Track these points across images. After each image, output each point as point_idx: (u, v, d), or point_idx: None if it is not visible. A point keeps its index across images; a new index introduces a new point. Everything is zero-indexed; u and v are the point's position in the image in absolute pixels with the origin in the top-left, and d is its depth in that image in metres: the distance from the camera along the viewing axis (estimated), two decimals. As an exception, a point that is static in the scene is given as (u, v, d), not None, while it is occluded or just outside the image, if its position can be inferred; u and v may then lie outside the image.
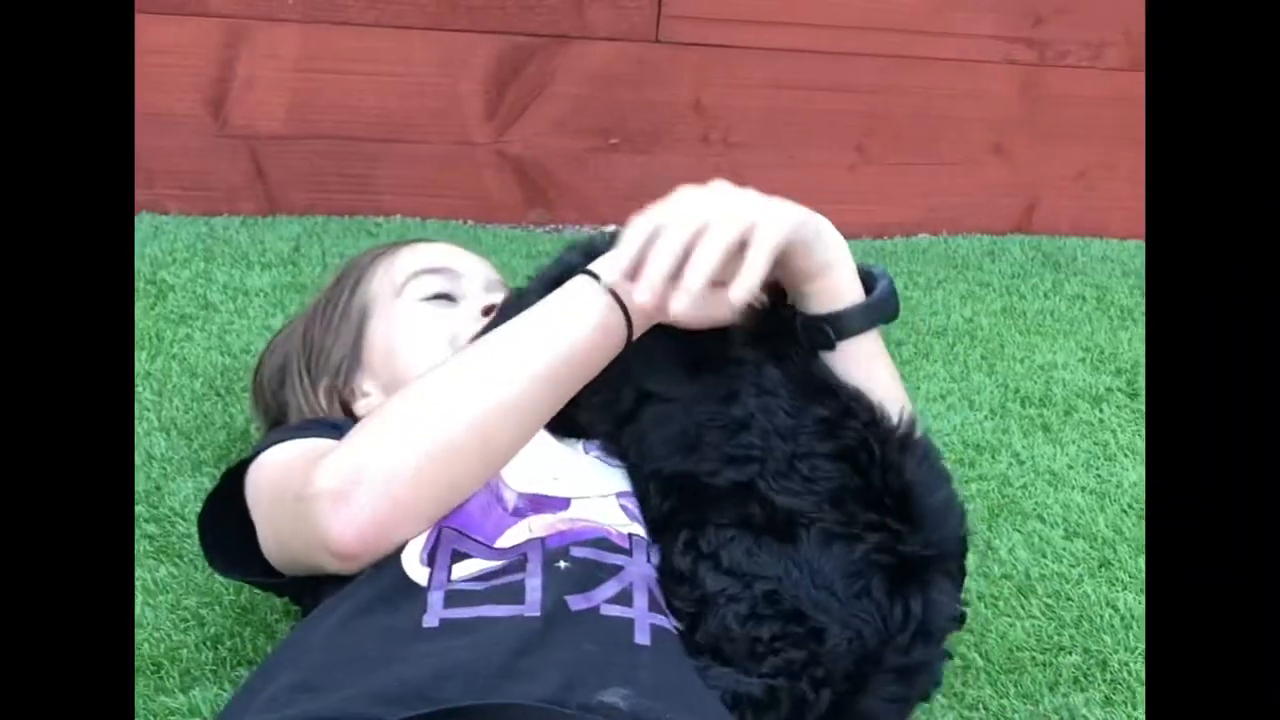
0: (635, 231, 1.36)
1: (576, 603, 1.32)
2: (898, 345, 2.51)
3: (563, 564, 1.36)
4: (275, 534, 1.47)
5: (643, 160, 3.11)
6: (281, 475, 1.45)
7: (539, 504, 1.45)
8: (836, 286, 1.45)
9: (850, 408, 1.41)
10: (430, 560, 1.35)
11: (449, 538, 1.38)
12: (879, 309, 1.47)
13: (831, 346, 1.44)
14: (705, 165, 3.08)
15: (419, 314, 1.74)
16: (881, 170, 3.22)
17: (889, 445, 1.39)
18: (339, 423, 1.62)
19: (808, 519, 1.35)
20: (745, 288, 1.33)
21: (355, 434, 1.37)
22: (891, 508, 1.37)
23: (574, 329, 1.40)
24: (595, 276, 1.41)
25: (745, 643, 1.34)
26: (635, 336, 1.42)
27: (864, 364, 1.46)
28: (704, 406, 1.44)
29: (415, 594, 1.32)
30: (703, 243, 1.33)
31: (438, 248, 1.85)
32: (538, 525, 1.42)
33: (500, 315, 1.54)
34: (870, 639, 1.34)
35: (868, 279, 1.49)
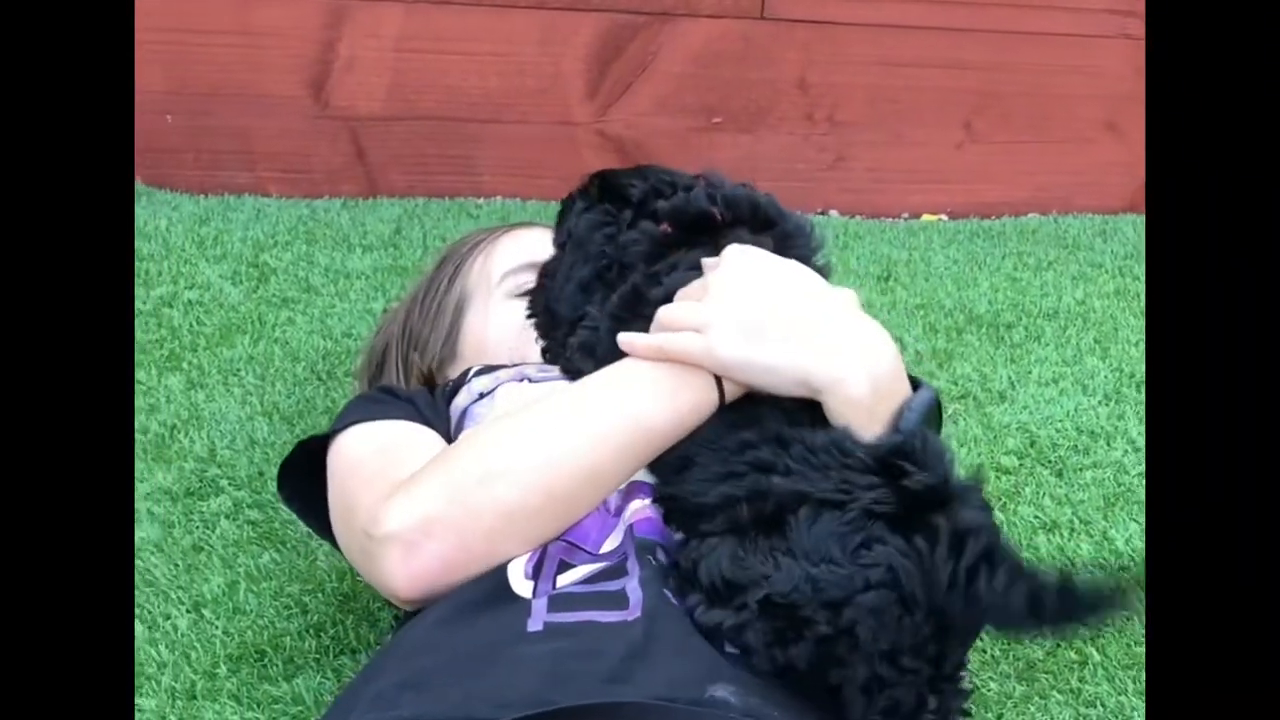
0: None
1: (677, 600, 1.29)
2: (1008, 328, 2.46)
3: (652, 560, 1.33)
4: (344, 548, 1.47)
5: (746, 139, 3.07)
6: (351, 485, 1.45)
7: (630, 491, 1.43)
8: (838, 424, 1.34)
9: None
10: (535, 573, 1.33)
11: (556, 550, 1.35)
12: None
13: None
14: (809, 144, 3.05)
15: (513, 311, 1.72)
16: (990, 149, 3.15)
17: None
18: (415, 397, 1.61)
19: (799, 499, 1.25)
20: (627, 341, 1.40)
21: (432, 476, 1.35)
22: (893, 465, 1.26)
23: (670, 403, 1.37)
24: None
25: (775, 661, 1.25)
26: (724, 404, 1.38)
27: None
28: (706, 429, 1.37)
29: (518, 600, 1.30)
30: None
31: (536, 237, 1.82)
32: (628, 513, 1.40)
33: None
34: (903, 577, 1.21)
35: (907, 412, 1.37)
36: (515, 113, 3.03)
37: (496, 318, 1.74)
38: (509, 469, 1.33)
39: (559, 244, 1.59)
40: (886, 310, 2.51)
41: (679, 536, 1.36)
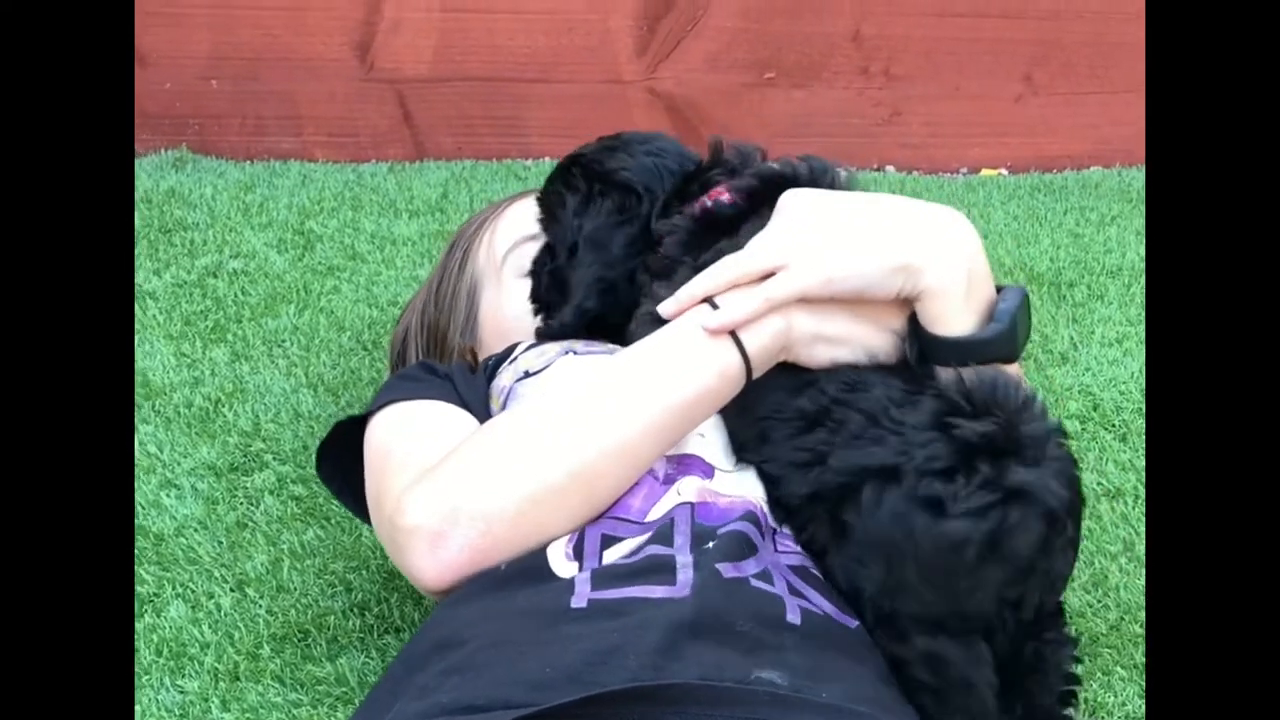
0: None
1: (728, 570, 1.25)
2: (1070, 287, 2.40)
3: (711, 544, 1.28)
4: (378, 535, 1.45)
5: (800, 95, 3.01)
6: (383, 471, 1.42)
7: (686, 464, 1.38)
8: (933, 316, 1.32)
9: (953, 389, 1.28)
10: (577, 554, 1.29)
11: (596, 527, 1.31)
12: (982, 350, 1.32)
13: (923, 362, 1.33)
14: (865, 99, 2.98)
15: (521, 292, 1.68)
16: (1050, 100, 3.07)
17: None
18: (453, 373, 1.58)
19: (861, 475, 1.25)
20: (675, 303, 1.35)
21: (454, 463, 1.31)
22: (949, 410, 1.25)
23: (692, 376, 1.32)
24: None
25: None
26: (755, 377, 1.34)
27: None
28: (773, 397, 1.34)
29: (560, 580, 1.26)
30: (719, 268, 1.33)
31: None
32: (687, 489, 1.35)
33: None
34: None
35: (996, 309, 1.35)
36: (563, 72, 2.98)
37: (509, 297, 1.70)
38: (528, 451, 1.29)
39: (557, 241, 1.59)
40: (944, 269, 2.45)
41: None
